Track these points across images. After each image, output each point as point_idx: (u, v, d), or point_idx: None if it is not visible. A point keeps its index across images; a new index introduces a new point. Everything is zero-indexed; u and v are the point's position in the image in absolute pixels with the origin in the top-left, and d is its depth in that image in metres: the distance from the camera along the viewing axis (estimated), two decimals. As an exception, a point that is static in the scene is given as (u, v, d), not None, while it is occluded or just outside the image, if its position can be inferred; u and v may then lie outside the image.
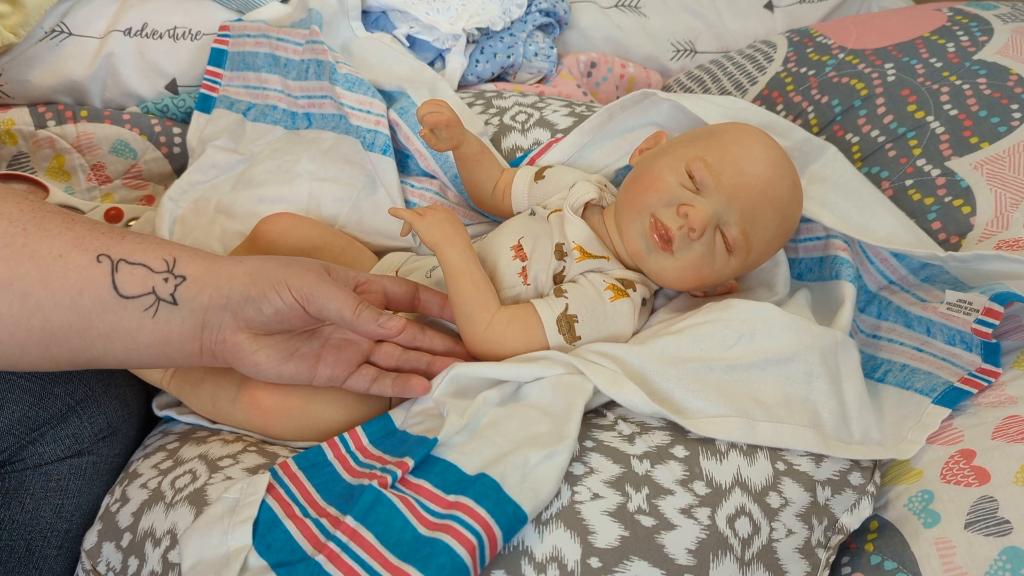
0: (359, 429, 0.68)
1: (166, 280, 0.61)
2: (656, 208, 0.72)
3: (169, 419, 0.81)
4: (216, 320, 0.63)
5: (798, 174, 0.75)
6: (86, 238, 0.59)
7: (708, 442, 0.66)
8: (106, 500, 0.73)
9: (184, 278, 0.62)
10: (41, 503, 0.72)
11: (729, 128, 0.76)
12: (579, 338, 0.72)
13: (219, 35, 1.09)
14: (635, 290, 0.74)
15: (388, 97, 0.98)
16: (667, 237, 0.71)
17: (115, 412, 0.76)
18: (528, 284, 0.76)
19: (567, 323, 0.72)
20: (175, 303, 0.61)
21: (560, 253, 0.75)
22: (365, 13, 1.14)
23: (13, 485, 0.72)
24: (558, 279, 0.75)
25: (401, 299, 0.73)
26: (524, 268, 0.76)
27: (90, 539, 0.71)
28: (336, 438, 0.67)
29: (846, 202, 0.81)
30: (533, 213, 0.81)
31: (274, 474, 0.65)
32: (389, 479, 0.61)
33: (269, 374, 0.66)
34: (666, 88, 1.27)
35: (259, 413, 0.71)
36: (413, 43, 1.14)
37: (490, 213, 0.91)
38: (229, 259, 0.64)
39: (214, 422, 0.77)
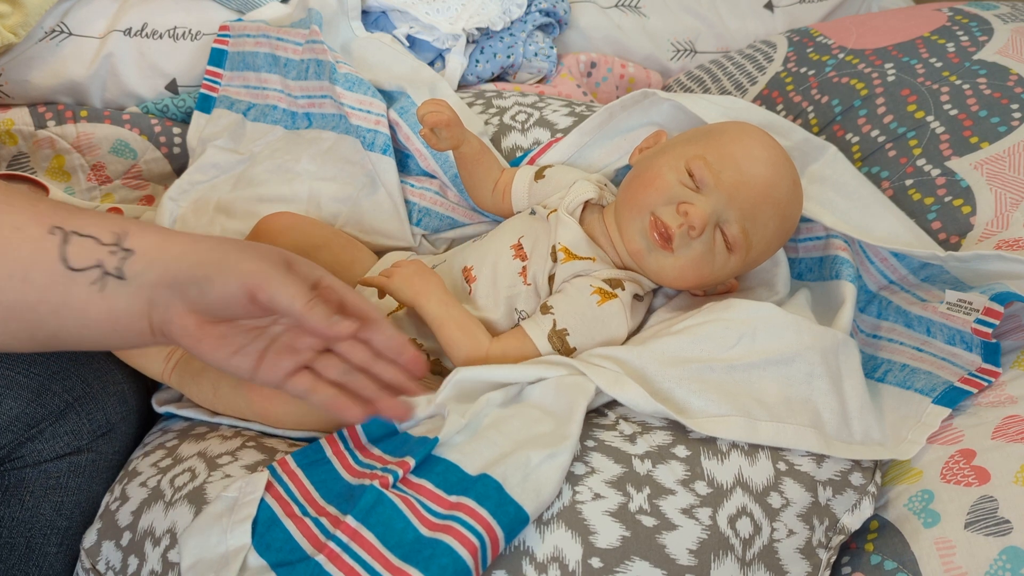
0: (358, 427, 0.68)
1: (113, 253, 0.59)
2: (656, 206, 0.72)
3: (169, 415, 0.81)
4: (163, 299, 0.60)
5: (798, 174, 0.75)
6: (45, 213, 0.58)
7: (709, 442, 0.66)
8: (106, 499, 0.73)
9: (132, 252, 0.59)
10: (41, 500, 0.72)
11: (729, 127, 0.76)
12: (574, 349, 0.72)
13: (219, 35, 1.08)
14: (624, 289, 0.74)
15: (388, 97, 0.98)
16: (667, 235, 0.71)
17: (114, 409, 0.76)
18: (528, 284, 0.76)
19: (559, 338, 0.72)
20: (122, 277, 0.59)
21: (554, 254, 0.76)
22: (365, 13, 1.14)
23: (12, 482, 0.72)
24: (551, 281, 0.76)
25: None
26: (524, 267, 0.76)
27: (90, 537, 0.71)
28: (335, 434, 0.68)
29: (846, 202, 0.81)
30: (533, 212, 0.81)
31: (273, 472, 0.65)
32: (390, 479, 0.61)
33: (214, 363, 0.63)
34: (666, 88, 1.27)
35: (260, 397, 0.71)
36: (413, 43, 1.14)
37: (490, 213, 0.91)
38: (187, 236, 0.61)
39: (215, 414, 0.77)
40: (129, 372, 0.81)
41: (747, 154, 0.72)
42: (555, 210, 0.78)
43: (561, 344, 0.72)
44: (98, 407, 0.75)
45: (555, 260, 0.75)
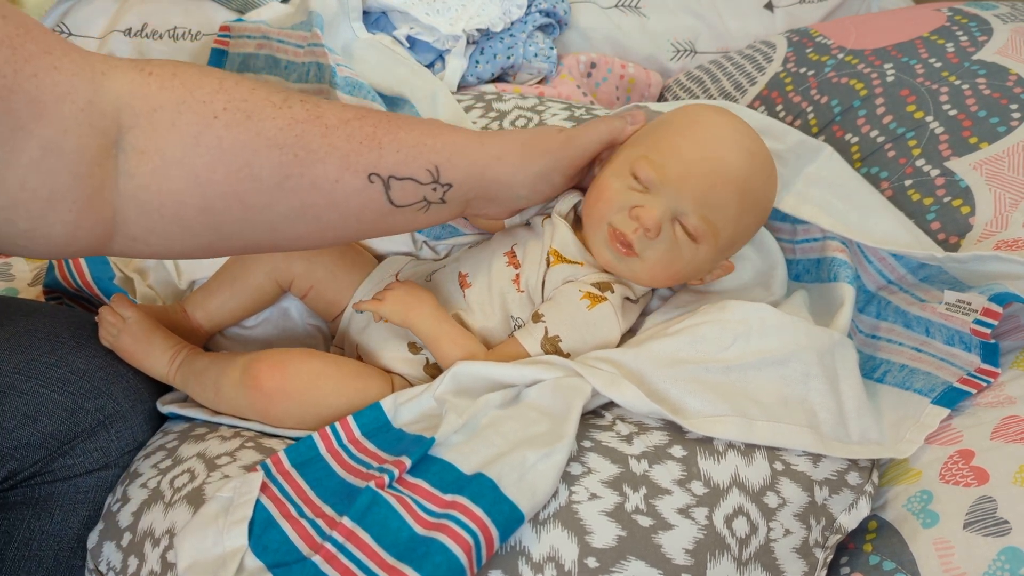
0: (350, 419, 0.68)
1: (434, 189, 0.67)
2: (610, 216, 0.72)
3: (173, 416, 0.81)
4: (480, 207, 0.72)
5: (757, 143, 0.73)
6: (350, 156, 0.63)
7: (706, 442, 0.66)
8: (108, 500, 0.74)
9: (451, 185, 0.68)
10: (70, 514, 0.73)
11: (674, 116, 0.75)
12: (568, 355, 0.72)
13: (219, 35, 1.08)
14: (613, 291, 0.74)
15: (389, 103, 0.98)
16: (627, 242, 0.71)
17: (140, 427, 0.78)
18: (521, 291, 0.76)
19: (551, 345, 0.72)
20: (444, 203, 0.68)
21: (547, 259, 0.76)
22: (365, 13, 1.14)
23: (43, 496, 0.73)
24: (542, 286, 0.76)
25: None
26: (517, 275, 0.77)
27: (92, 538, 0.71)
28: (327, 429, 0.68)
29: (843, 203, 0.81)
30: (528, 223, 0.82)
31: (267, 471, 0.65)
32: (386, 479, 0.61)
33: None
34: (666, 88, 1.27)
35: (261, 396, 0.72)
36: (413, 44, 1.14)
37: (484, 230, 0.91)
38: (492, 162, 0.69)
39: (216, 413, 0.78)
40: (157, 390, 0.82)
41: (690, 141, 0.71)
42: (548, 216, 0.79)
43: (554, 351, 0.72)
44: (127, 426, 0.76)
45: (547, 265, 0.76)
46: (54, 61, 0.52)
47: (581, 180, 0.79)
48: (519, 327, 0.76)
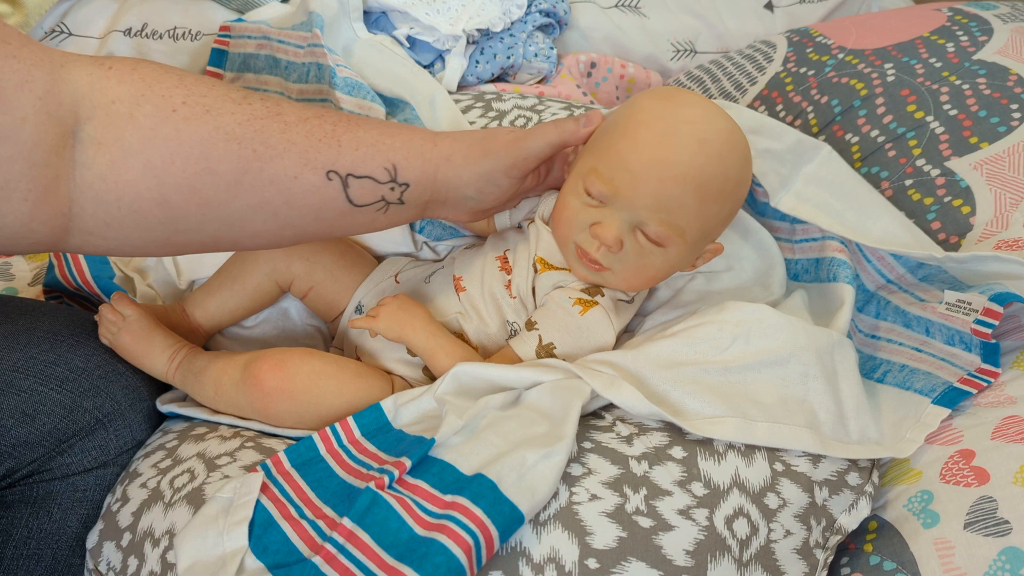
0: (351, 420, 0.68)
1: (392, 189, 0.67)
2: (573, 236, 0.72)
3: (173, 415, 0.81)
4: (437, 210, 0.73)
5: (709, 128, 0.69)
6: (309, 153, 0.63)
7: (706, 443, 0.66)
8: (108, 499, 0.74)
9: (408, 185, 0.68)
10: (68, 513, 0.73)
11: (620, 117, 0.72)
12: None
13: (219, 35, 1.08)
14: (603, 295, 0.74)
15: (388, 104, 0.98)
16: (593, 259, 0.71)
17: (139, 426, 0.78)
18: (514, 297, 0.76)
19: (546, 353, 0.72)
20: (402, 203, 0.69)
21: (534, 265, 0.76)
22: (365, 13, 1.14)
23: (41, 494, 0.73)
24: (533, 293, 0.76)
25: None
26: (509, 281, 0.77)
27: (92, 538, 0.71)
28: (327, 429, 0.68)
29: (842, 203, 0.81)
30: (520, 227, 0.82)
31: (267, 471, 0.65)
32: (386, 480, 0.61)
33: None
34: (666, 88, 1.27)
35: (262, 395, 0.72)
36: (413, 44, 1.14)
37: (475, 233, 0.91)
38: (442, 163, 0.69)
39: (216, 413, 0.78)
40: (156, 389, 0.82)
41: (636, 145, 0.68)
42: (533, 220, 0.79)
43: (549, 358, 0.72)
44: (125, 424, 0.76)
45: (535, 271, 0.76)
46: (12, 51, 0.52)
47: (539, 182, 0.77)
48: (515, 332, 0.76)
